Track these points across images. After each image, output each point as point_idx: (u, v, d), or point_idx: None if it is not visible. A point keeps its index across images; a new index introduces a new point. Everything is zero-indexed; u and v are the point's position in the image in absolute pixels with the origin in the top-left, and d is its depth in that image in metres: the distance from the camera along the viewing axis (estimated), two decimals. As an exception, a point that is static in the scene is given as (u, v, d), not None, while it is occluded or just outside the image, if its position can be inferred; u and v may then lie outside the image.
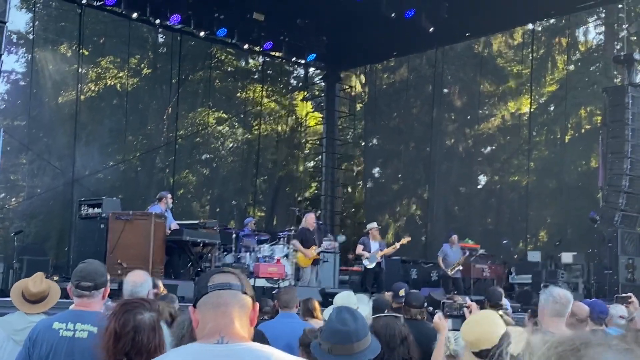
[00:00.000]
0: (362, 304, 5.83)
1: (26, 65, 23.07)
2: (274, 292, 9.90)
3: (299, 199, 27.10)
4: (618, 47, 24.78)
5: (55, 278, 10.57)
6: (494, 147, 27.94)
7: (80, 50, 20.68)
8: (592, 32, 27.82)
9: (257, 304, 2.43)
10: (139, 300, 3.22)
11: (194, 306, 2.35)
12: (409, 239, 16.28)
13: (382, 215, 27.79)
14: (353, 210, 29.48)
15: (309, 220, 14.53)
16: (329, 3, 19.14)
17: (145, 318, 3.06)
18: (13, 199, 26.32)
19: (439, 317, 4.81)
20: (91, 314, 3.74)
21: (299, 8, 20.86)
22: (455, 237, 16.65)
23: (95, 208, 12.92)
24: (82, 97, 22.07)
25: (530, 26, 23.80)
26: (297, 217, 17.65)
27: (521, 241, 23.13)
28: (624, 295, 8.71)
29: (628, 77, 17.63)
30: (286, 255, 15.27)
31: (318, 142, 26.54)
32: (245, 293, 2.36)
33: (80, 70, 21.00)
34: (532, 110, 24.90)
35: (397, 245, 15.50)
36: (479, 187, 27.70)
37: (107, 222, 12.36)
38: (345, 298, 6.08)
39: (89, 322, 3.69)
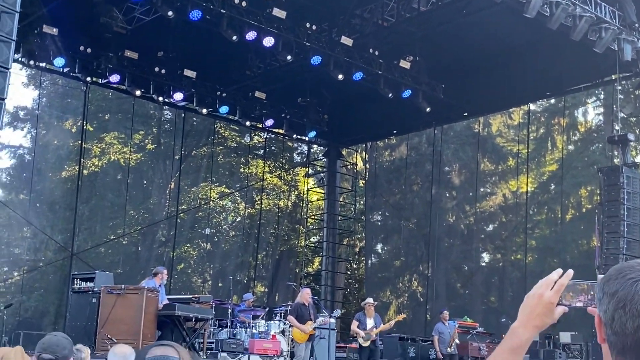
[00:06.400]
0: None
1: (31, 140, 23.49)
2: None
3: (301, 274, 27.05)
4: (617, 127, 25.01)
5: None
6: (495, 225, 27.96)
7: (85, 126, 21.07)
8: (591, 113, 28.17)
9: None
10: None
11: None
12: (404, 315, 16.24)
13: (384, 291, 27.66)
14: (357, 286, 29.33)
15: (305, 295, 14.51)
16: (329, 83, 19.57)
17: None
18: (15, 273, 26.37)
19: None
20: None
21: (300, 87, 21.34)
22: (446, 314, 16.62)
23: (88, 282, 13.00)
24: (85, 172, 22.37)
25: (529, 106, 24.12)
26: (294, 292, 17.66)
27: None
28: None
29: (622, 158, 17.78)
30: (282, 331, 15.21)
31: (320, 218, 26.66)
32: None
33: (83, 145, 21.36)
34: (532, 189, 25.00)
35: (392, 322, 15.46)
36: (482, 264, 27.59)
37: (99, 297, 12.43)
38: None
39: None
